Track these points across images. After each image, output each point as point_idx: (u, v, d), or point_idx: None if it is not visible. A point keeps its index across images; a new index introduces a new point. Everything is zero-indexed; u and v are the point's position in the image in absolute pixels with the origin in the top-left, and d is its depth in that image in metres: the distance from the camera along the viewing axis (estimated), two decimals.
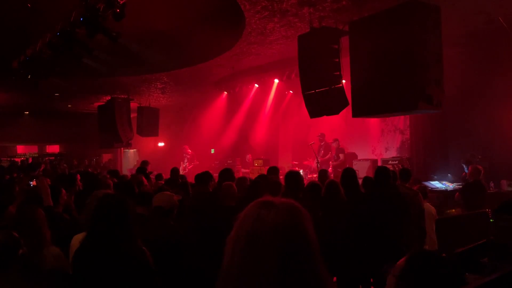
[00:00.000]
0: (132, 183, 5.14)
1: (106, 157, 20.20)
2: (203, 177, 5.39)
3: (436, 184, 8.14)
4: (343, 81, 6.75)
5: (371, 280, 4.39)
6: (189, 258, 3.21)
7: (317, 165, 10.11)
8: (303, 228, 1.19)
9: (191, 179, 6.64)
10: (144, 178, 5.85)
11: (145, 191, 4.26)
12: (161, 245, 2.97)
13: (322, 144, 11.06)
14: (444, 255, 2.51)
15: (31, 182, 7.56)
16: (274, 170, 6.00)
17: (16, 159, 17.32)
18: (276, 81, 11.87)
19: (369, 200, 4.57)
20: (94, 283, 2.23)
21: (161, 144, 18.75)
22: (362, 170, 8.91)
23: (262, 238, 1.14)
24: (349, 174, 4.86)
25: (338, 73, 6.67)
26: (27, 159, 17.27)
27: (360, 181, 5.21)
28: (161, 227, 3.30)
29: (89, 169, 13.69)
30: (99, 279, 2.22)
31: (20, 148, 21.09)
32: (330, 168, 10.37)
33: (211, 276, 3.24)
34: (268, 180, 4.83)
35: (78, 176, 6.37)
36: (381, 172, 4.71)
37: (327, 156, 10.94)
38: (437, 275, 1.59)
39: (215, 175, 5.77)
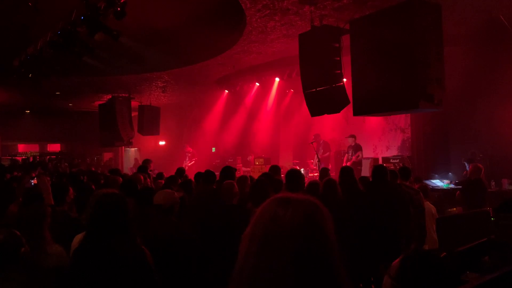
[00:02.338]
0: (136, 182, 5.12)
1: (107, 155, 20.23)
2: (207, 176, 5.38)
3: (437, 182, 8.14)
4: (344, 79, 6.74)
5: (372, 279, 4.38)
6: (192, 255, 3.20)
7: (318, 164, 10.10)
8: (321, 229, 1.12)
9: (192, 177, 6.61)
10: (141, 177, 5.84)
11: (145, 188, 4.24)
12: (163, 243, 2.96)
13: (320, 143, 11.10)
14: (444, 254, 2.51)
15: (32, 181, 7.58)
16: (275, 169, 6.00)
17: (17, 158, 17.36)
18: (277, 79, 11.85)
19: (366, 198, 4.55)
20: (92, 282, 2.22)
21: (162, 142, 18.76)
22: (363, 169, 8.91)
23: (278, 239, 1.08)
24: (346, 173, 4.86)
25: (339, 71, 6.66)
26: (28, 157, 17.29)
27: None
28: (163, 225, 3.26)
29: (93, 168, 13.71)
30: (97, 278, 2.21)
31: (21, 147, 21.12)
32: (349, 163, 10.29)
33: (213, 274, 3.22)
34: (271, 178, 4.83)
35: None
36: (377, 170, 4.70)
37: (327, 154, 11.00)
38: (433, 276, 1.56)
39: (216, 174, 5.76)
